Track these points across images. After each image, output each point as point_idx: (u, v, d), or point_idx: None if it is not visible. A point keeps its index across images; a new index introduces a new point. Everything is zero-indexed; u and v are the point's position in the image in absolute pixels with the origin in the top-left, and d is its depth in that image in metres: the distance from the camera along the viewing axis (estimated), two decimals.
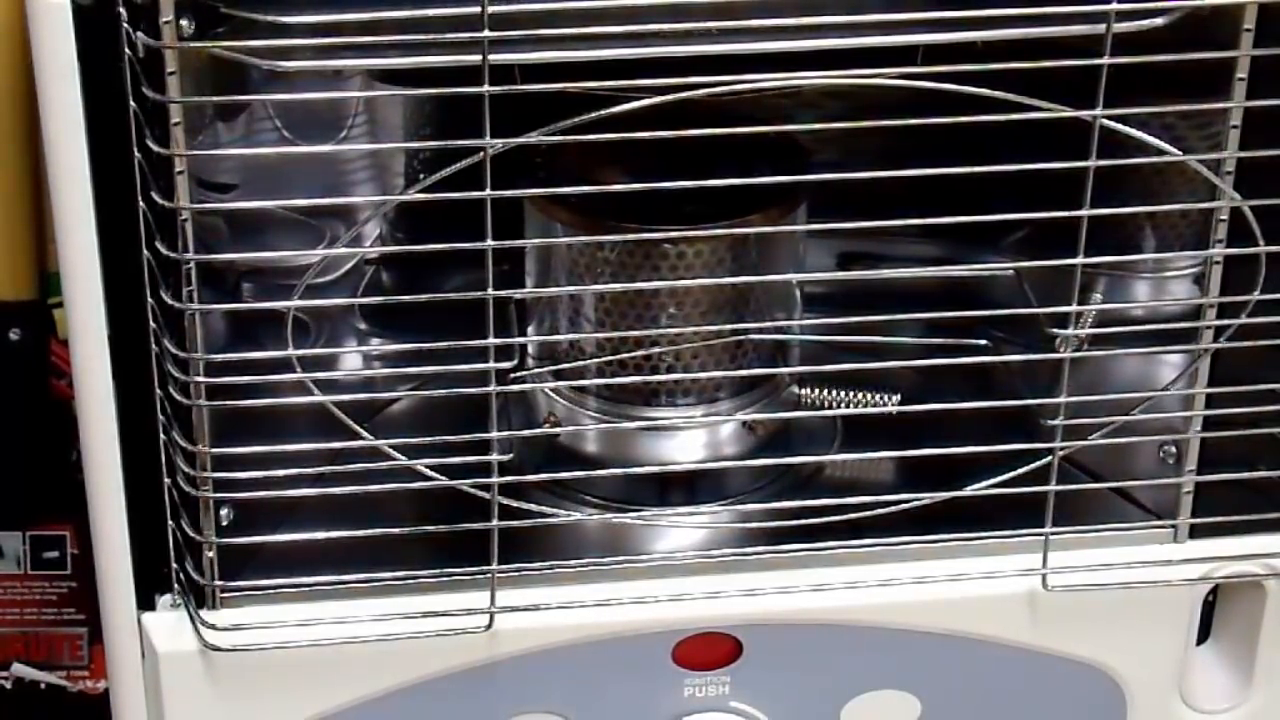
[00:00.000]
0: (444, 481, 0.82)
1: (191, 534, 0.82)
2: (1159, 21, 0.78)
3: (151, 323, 0.79)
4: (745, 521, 0.90)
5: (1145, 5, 0.77)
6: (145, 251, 0.78)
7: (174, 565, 0.84)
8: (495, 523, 0.82)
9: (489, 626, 0.84)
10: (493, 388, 0.80)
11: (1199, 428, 0.87)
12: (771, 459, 0.91)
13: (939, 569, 0.87)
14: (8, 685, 1.18)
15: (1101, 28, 0.76)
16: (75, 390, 0.80)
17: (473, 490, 0.82)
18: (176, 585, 0.84)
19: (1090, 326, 0.88)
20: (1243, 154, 0.81)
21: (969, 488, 0.87)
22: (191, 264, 0.77)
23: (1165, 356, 0.89)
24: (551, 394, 0.92)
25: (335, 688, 0.85)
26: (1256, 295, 0.83)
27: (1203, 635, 0.93)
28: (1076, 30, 0.77)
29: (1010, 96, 0.76)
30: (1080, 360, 0.86)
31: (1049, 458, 0.85)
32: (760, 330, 0.90)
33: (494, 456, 0.81)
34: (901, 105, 0.78)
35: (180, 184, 0.76)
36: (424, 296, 0.82)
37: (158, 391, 0.80)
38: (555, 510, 0.87)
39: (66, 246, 0.77)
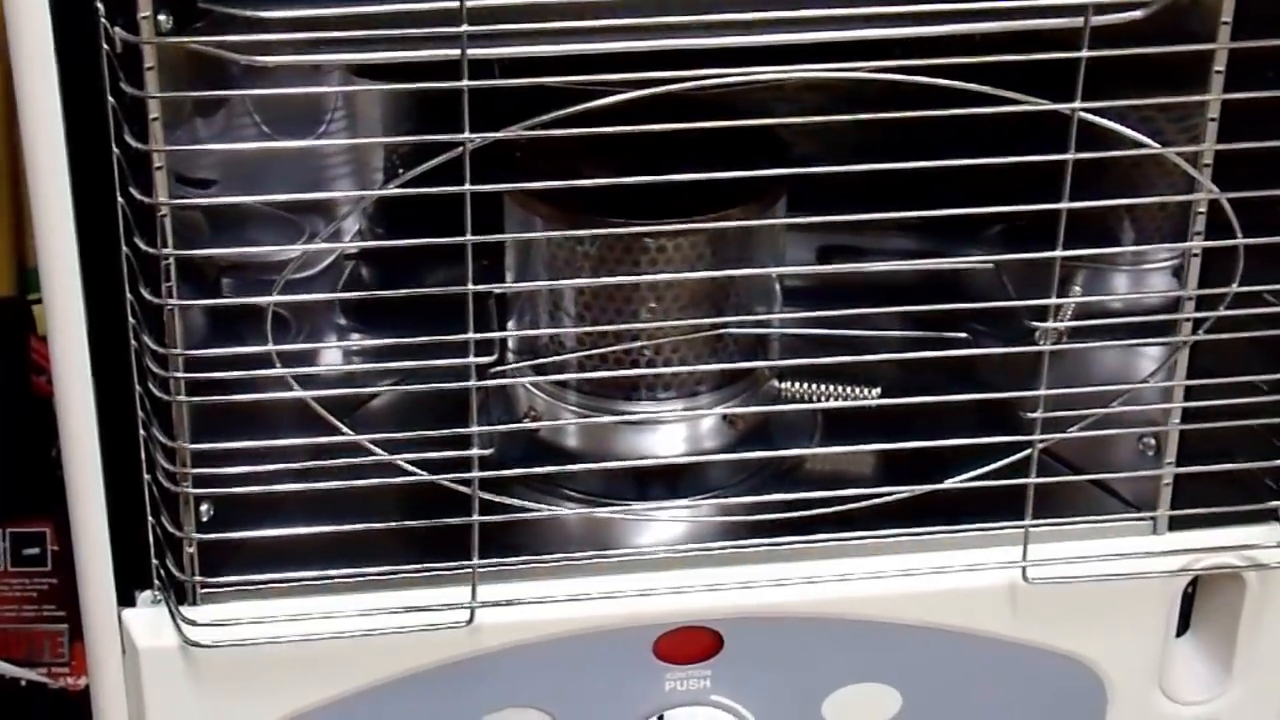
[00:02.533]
0: (424, 477, 0.82)
1: (172, 530, 0.82)
2: (1137, 14, 0.78)
3: (131, 319, 0.79)
4: (726, 515, 0.90)
5: None
6: (124, 247, 0.78)
7: (154, 561, 0.83)
8: (476, 518, 0.82)
9: (470, 621, 0.84)
10: (473, 383, 0.80)
11: (1178, 420, 0.88)
12: (752, 453, 0.91)
13: (919, 562, 0.87)
14: None
15: (1080, 20, 0.77)
16: (55, 387, 0.80)
17: (453, 485, 0.82)
18: (157, 581, 0.84)
19: (1069, 319, 0.89)
20: (1221, 146, 0.81)
21: (949, 480, 0.87)
22: (171, 259, 0.77)
23: (1144, 349, 0.89)
24: (532, 389, 0.92)
25: (317, 683, 0.85)
26: (1235, 288, 0.83)
27: (1182, 627, 0.93)
28: (1055, 23, 0.77)
29: (988, 90, 0.76)
30: (1059, 353, 0.86)
31: (1029, 450, 0.85)
32: (740, 324, 0.90)
33: (474, 451, 0.81)
34: (880, 99, 0.78)
35: (159, 179, 0.76)
36: (404, 291, 0.82)
37: (137, 387, 0.80)
38: (536, 505, 0.87)
39: (45, 242, 0.77)
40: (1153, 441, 0.89)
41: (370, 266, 0.99)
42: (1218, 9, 0.79)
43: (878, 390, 0.92)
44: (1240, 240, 0.82)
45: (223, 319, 0.84)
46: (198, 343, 0.80)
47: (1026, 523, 0.87)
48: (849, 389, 0.93)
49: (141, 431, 0.81)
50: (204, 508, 0.82)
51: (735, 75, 0.76)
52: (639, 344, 0.89)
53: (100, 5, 0.73)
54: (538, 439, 0.92)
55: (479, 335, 0.79)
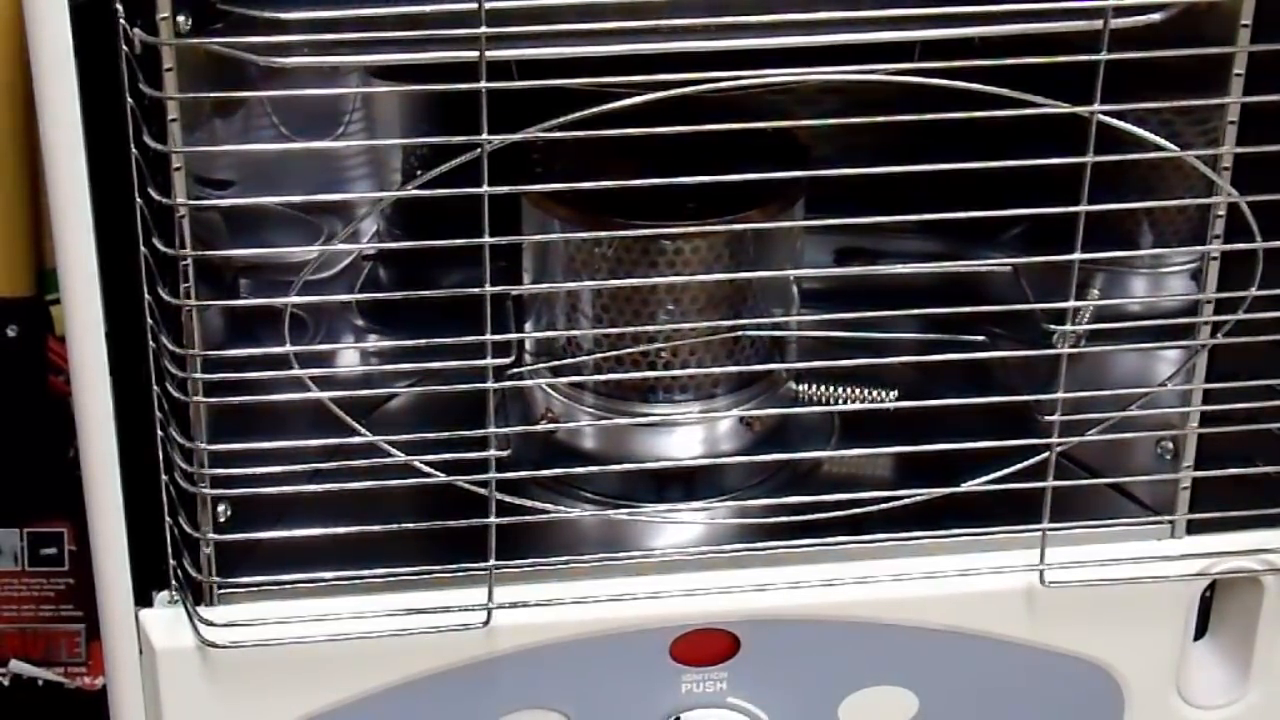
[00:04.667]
0: (441, 478, 0.82)
1: (189, 530, 0.82)
2: (1156, 17, 0.78)
3: (149, 319, 0.79)
4: (743, 517, 0.90)
5: (1142, 0, 0.77)
6: (143, 248, 0.78)
7: (171, 562, 0.84)
8: (493, 519, 0.82)
9: (487, 623, 0.84)
10: (490, 384, 0.80)
11: (1196, 424, 0.88)
12: (769, 455, 0.91)
13: (936, 565, 0.87)
14: (5, 682, 1.18)
15: (1099, 23, 0.76)
16: (73, 387, 0.80)
17: (470, 487, 0.82)
18: (174, 582, 0.84)
19: (1088, 322, 0.88)
20: (1240, 150, 0.81)
21: (967, 483, 0.87)
22: (189, 260, 0.77)
23: (1163, 352, 0.89)
24: (549, 390, 0.92)
25: (332, 684, 0.85)
26: (1254, 291, 0.83)
27: (1200, 631, 0.93)
28: (1074, 26, 0.77)
29: (1008, 92, 0.76)
30: (1078, 356, 0.86)
31: (1046, 453, 0.85)
32: (758, 326, 0.90)
33: (491, 453, 0.81)
34: (899, 101, 0.78)
35: (177, 180, 0.76)
36: (421, 293, 0.82)
37: (155, 388, 0.80)
38: (552, 507, 0.87)
39: (64, 243, 0.77)
40: (1170, 445, 0.89)
41: (388, 268, 0.99)
42: (1236, 12, 0.79)
43: (895, 393, 0.92)
44: (1260, 244, 0.82)
45: (240, 320, 0.84)
46: (215, 343, 0.81)
47: (1044, 526, 0.87)
48: (866, 391, 0.92)
49: (159, 432, 0.81)
50: (221, 508, 0.82)
51: (753, 77, 0.76)
52: (656, 345, 0.88)
53: (119, 6, 0.73)
54: (555, 441, 0.92)
55: (496, 337, 0.79)
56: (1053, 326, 0.85)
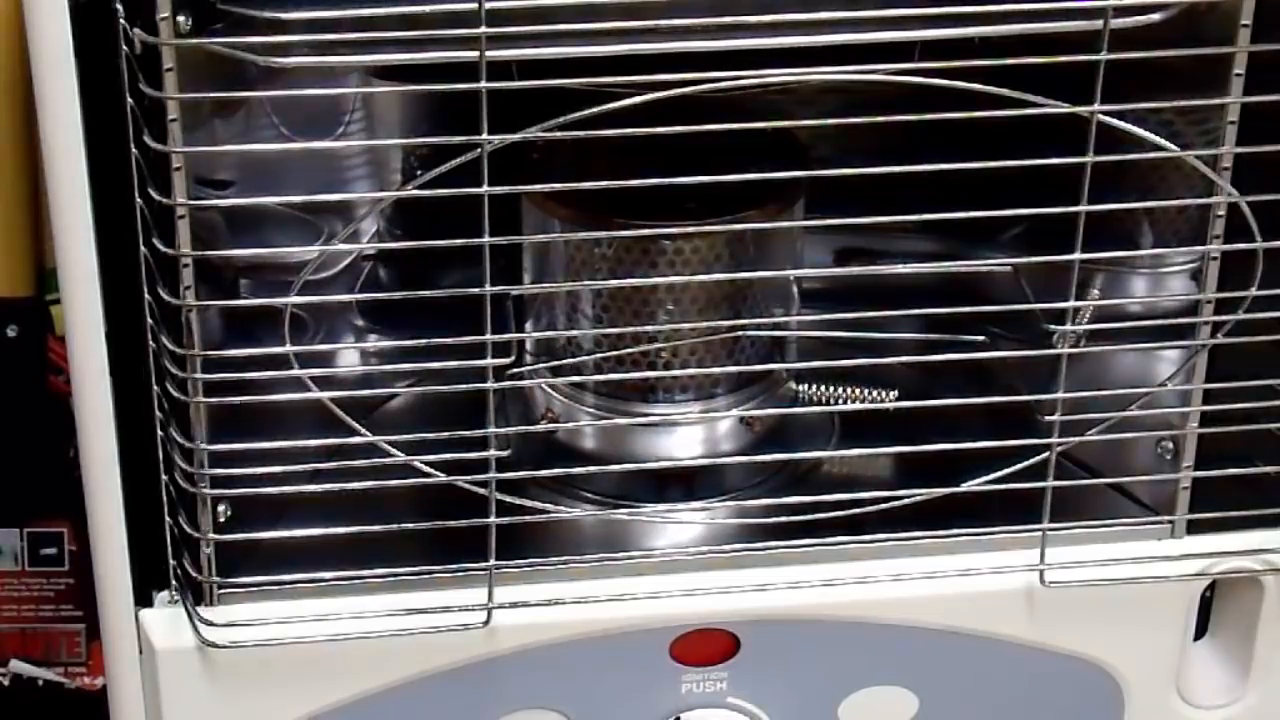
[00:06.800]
0: (441, 478, 0.82)
1: (189, 530, 0.82)
2: (1156, 17, 0.78)
3: (149, 319, 0.79)
4: (743, 517, 0.90)
5: (1142, 0, 0.77)
6: (142, 248, 0.78)
7: (171, 562, 0.84)
8: (493, 519, 0.82)
9: (487, 623, 0.84)
10: (490, 384, 0.80)
11: (1196, 424, 0.88)
12: (769, 455, 0.91)
13: (936, 565, 0.87)
14: (5, 682, 1.18)
15: (1099, 23, 0.76)
16: (73, 387, 0.80)
17: (470, 487, 0.82)
18: (174, 582, 0.84)
19: (1088, 322, 0.88)
20: (1240, 150, 0.81)
21: (967, 483, 0.87)
22: (189, 260, 0.77)
23: (1163, 352, 0.89)
24: (549, 390, 0.92)
25: (333, 684, 0.85)
26: (1254, 291, 0.83)
27: (1200, 631, 0.93)
28: (1074, 26, 0.77)
29: (1007, 92, 0.76)
30: (1078, 356, 0.86)
31: (1047, 453, 0.85)
32: (757, 326, 0.90)
33: (491, 453, 0.81)
34: (899, 101, 0.78)
35: (177, 180, 0.76)
36: (421, 293, 0.82)
37: (155, 388, 0.80)
38: (552, 507, 0.87)
39: (64, 243, 0.77)
40: (1171, 445, 0.89)
41: (388, 268, 0.99)
42: (1236, 12, 0.79)
43: (895, 393, 0.92)
44: (1260, 244, 0.82)
45: (240, 320, 0.84)
46: (215, 343, 0.81)
47: (1044, 526, 0.87)
48: (866, 391, 0.93)
49: (159, 432, 0.81)
50: (221, 508, 0.82)
51: (753, 77, 0.76)
52: (656, 345, 0.89)
53: (119, 7, 0.73)
54: (555, 441, 0.92)
55: (496, 337, 0.79)
56: (1053, 326, 0.85)
